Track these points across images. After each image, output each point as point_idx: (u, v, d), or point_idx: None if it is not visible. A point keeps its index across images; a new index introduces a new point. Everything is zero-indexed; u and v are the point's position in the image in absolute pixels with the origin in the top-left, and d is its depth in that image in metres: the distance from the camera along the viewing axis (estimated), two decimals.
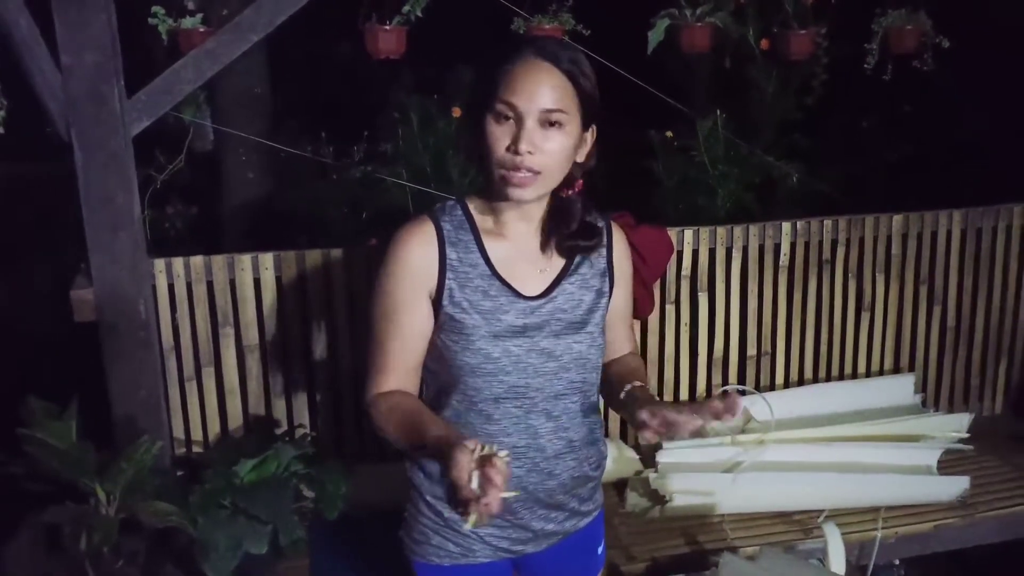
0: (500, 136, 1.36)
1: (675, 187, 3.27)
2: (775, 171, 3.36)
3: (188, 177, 3.34)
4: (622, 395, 1.49)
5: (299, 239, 3.16)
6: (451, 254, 1.43)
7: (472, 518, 1.15)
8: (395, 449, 2.54)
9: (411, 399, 1.46)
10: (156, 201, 3.00)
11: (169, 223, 3.57)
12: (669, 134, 3.30)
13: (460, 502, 1.16)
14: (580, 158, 1.43)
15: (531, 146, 1.35)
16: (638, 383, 1.49)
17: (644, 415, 1.36)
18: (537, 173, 1.37)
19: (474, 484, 1.14)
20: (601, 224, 1.53)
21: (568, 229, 1.47)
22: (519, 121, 1.35)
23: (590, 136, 1.44)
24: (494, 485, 1.13)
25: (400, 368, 1.45)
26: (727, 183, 3.20)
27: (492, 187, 1.42)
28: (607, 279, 1.52)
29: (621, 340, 1.63)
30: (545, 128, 1.36)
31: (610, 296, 1.53)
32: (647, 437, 1.36)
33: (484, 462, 1.15)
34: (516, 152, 1.35)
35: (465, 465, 1.15)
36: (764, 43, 3.17)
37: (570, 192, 1.46)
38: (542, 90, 1.35)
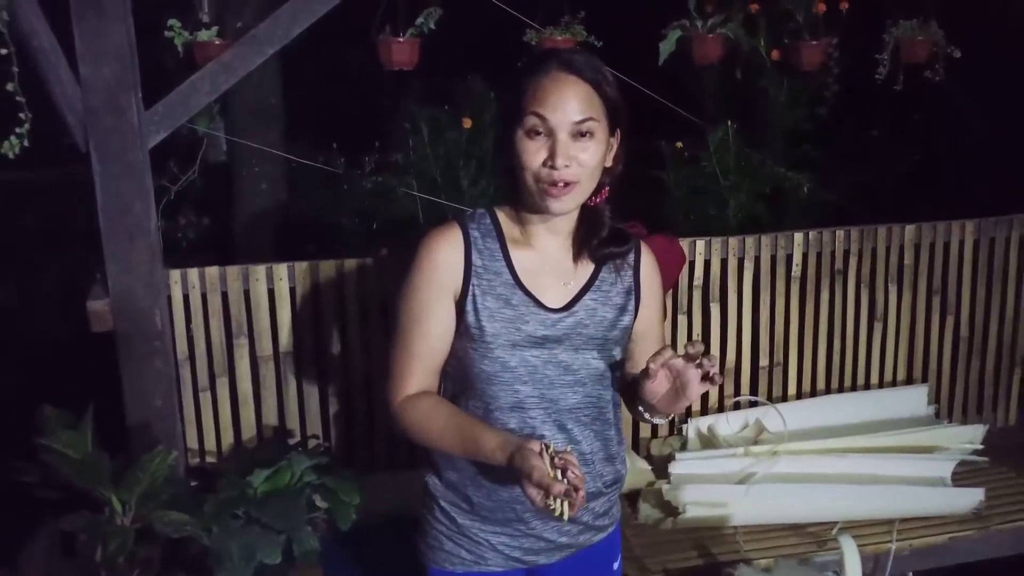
0: (534, 151, 1.38)
1: (685, 197, 3.28)
2: (786, 181, 3.36)
3: (201, 188, 3.37)
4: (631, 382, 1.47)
5: (309, 248, 3.17)
6: (476, 260, 1.44)
7: (567, 510, 1.26)
8: (408, 457, 2.61)
9: (446, 403, 1.47)
10: (168, 212, 3.01)
11: (181, 234, 3.60)
12: (679, 144, 3.31)
13: (554, 498, 1.24)
14: (608, 163, 1.45)
15: (567, 159, 1.37)
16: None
17: (650, 365, 1.34)
18: (574, 184, 1.39)
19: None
20: (630, 235, 1.53)
21: (599, 237, 1.49)
22: (551, 135, 1.37)
23: (615, 141, 1.45)
24: (578, 476, 1.25)
25: (424, 370, 1.47)
26: (738, 193, 3.20)
27: (525, 199, 1.43)
28: (632, 297, 1.53)
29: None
30: (577, 139, 1.38)
31: (635, 314, 1.53)
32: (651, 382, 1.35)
33: (559, 459, 1.27)
34: (553, 166, 1.37)
35: (543, 467, 1.25)
36: (775, 54, 3.18)
37: (597, 200, 1.48)
38: (571, 103, 1.37)
